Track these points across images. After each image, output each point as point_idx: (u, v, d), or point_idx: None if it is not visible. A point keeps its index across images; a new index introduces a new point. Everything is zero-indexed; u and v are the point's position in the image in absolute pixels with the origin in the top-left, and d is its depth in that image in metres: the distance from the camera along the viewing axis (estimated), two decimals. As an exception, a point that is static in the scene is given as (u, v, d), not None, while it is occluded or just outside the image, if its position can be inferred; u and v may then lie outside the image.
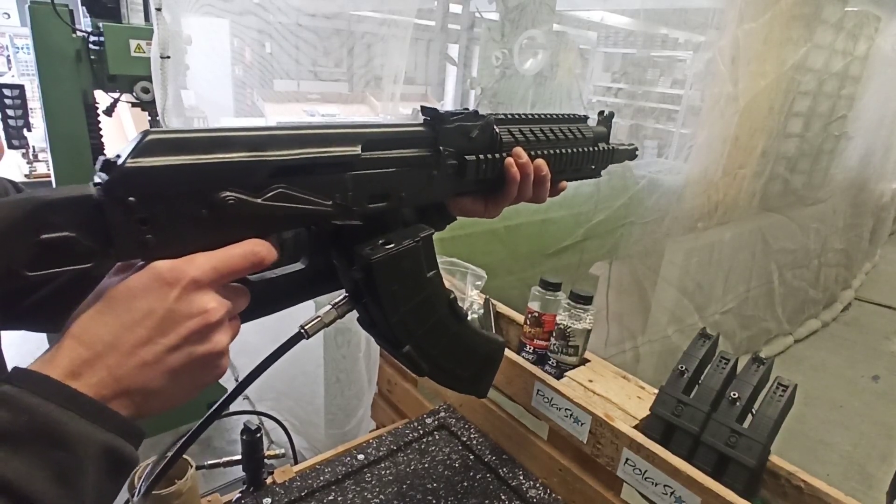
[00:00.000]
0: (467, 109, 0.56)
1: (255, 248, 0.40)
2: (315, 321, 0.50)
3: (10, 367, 0.35)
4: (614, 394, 0.86)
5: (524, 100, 2.27)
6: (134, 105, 1.70)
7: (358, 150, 0.46)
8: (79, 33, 1.56)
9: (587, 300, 0.90)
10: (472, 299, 1.14)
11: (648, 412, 0.80)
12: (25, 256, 0.33)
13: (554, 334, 0.92)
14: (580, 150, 0.67)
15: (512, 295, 1.13)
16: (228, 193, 0.38)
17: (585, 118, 0.70)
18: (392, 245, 0.49)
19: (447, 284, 1.16)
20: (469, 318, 1.09)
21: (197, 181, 0.37)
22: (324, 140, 0.43)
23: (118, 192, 0.35)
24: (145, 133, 0.36)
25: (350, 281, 0.51)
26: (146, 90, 1.59)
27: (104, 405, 0.34)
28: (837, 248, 3.74)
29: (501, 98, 2.46)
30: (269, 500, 0.81)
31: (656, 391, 0.81)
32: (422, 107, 0.54)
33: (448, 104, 3.46)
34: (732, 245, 2.70)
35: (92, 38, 1.57)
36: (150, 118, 1.68)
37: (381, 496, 0.83)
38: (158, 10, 1.22)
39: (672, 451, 0.70)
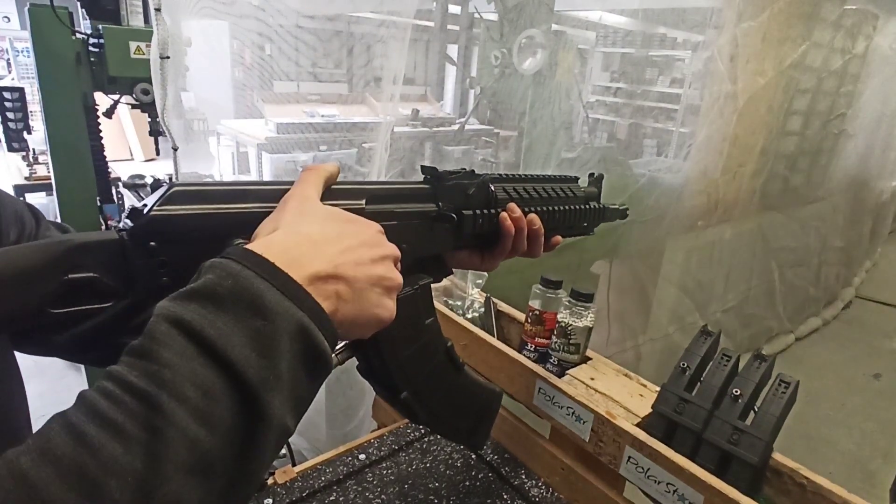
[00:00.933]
0: (464, 169, 0.60)
1: None
2: None
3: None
4: (616, 392, 0.85)
5: (523, 99, 2.27)
6: (134, 107, 1.70)
7: (362, 203, 0.48)
8: (78, 36, 1.56)
9: (588, 298, 0.90)
10: (472, 298, 1.14)
11: (650, 410, 0.80)
12: (52, 294, 0.36)
13: (555, 332, 0.92)
14: (571, 207, 0.72)
15: (513, 293, 1.13)
16: (241, 240, 0.40)
17: (576, 179, 0.75)
18: None
19: (448, 283, 1.17)
20: (469, 316, 1.10)
21: (213, 228, 0.40)
22: (331, 195, 0.45)
23: (142, 236, 0.38)
24: (171, 185, 0.39)
25: None
26: (146, 92, 1.59)
27: (301, 287, 0.34)
28: (838, 246, 3.73)
29: (501, 97, 2.47)
30: (271, 500, 0.81)
31: (658, 389, 0.81)
32: (422, 166, 0.58)
33: (448, 104, 3.47)
34: (733, 243, 2.69)
35: (92, 41, 1.57)
36: (150, 120, 1.68)
37: (383, 496, 0.83)
38: (157, 10, 1.22)
39: (674, 449, 0.70)
